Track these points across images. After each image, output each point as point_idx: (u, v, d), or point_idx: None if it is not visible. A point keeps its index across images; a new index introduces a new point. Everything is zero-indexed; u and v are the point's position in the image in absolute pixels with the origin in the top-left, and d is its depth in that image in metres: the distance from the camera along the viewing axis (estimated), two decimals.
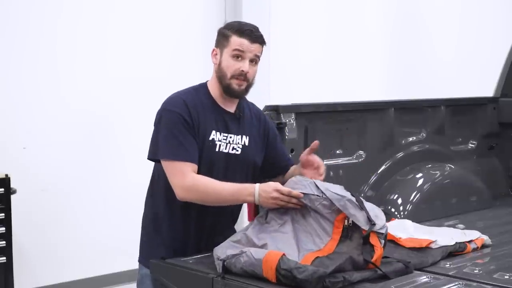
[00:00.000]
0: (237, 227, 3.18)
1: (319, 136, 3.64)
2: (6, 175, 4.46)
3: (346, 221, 2.73)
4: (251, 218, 3.26)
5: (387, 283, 2.61)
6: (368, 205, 2.76)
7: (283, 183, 2.90)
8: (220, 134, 3.01)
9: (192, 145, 2.92)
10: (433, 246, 3.07)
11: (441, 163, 4.41)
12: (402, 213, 3.95)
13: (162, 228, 3.05)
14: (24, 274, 5.03)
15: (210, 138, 2.98)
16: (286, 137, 3.52)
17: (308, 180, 2.86)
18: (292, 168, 3.20)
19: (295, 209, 2.82)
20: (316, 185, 2.80)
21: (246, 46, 2.95)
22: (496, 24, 8.28)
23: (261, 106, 3.36)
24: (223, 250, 2.74)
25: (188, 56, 6.04)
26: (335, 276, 2.52)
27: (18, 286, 4.68)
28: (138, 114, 5.60)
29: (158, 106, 3.04)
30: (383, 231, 2.71)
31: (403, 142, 4.30)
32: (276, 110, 3.52)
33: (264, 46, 3.03)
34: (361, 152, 4.04)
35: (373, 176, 4.08)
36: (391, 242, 3.06)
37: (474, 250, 3.21)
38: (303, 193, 2.78)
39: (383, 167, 4.13)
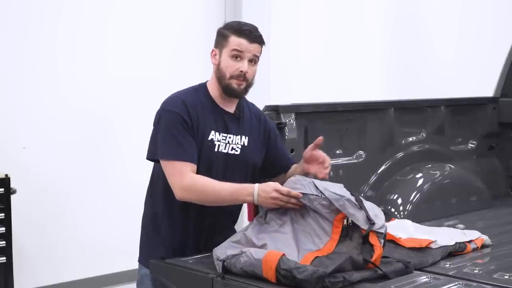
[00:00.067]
0: (237, 227, 3.18)
1: (319, 136, 3.62)
2: (6, 175, 4.46)
3: (345, 220, 2.73)
4: (251, 218, 3.26)
5: (387, 283, 2.61)
6: (367, 204, 2.76)
7: (283, 183, 2.90)
8: (219, 134, 3.01)
9: (191, 145, 2.92)
10: (433, 246, 3.07)
11: (441, 163, 4.40)
12: (402, 213, 3.94)
13: (161, 228, 3.05)
14: (24, 274, 5.03)
15: (209, 138, 2.98)
16: (286, 137, 3.51)
17: (307, 179, 2.86)
18: (293, 167, 3.20)
19: (294, 210, 2.82)
20: (315, 185, 2.80)
21: (245, 46, 2.95)
22: (496, 24, 8.27)
23: (261, 106, 3.36)
24: (223, 250, 2.74)
25: (188, 56, 6.04)
26: (335, 276, 2.52)
27: (18, 286, 4.68)
28: (138, 114, 5.60)
29: (158, 106, 3.04)
30: (382, 230, 2.71)
31: (403, 142, 4.29)
32: (276, 110, 3.51)
33: (263, 46, 3.02)
34: (361, 152, 4.04)
35: (373, 176, 4.07)
36: (391, 242, 3.06)
37: (474, 250, 3.20)
38: (302, 193, 2.78)
39: (383, 167, 4.13)
